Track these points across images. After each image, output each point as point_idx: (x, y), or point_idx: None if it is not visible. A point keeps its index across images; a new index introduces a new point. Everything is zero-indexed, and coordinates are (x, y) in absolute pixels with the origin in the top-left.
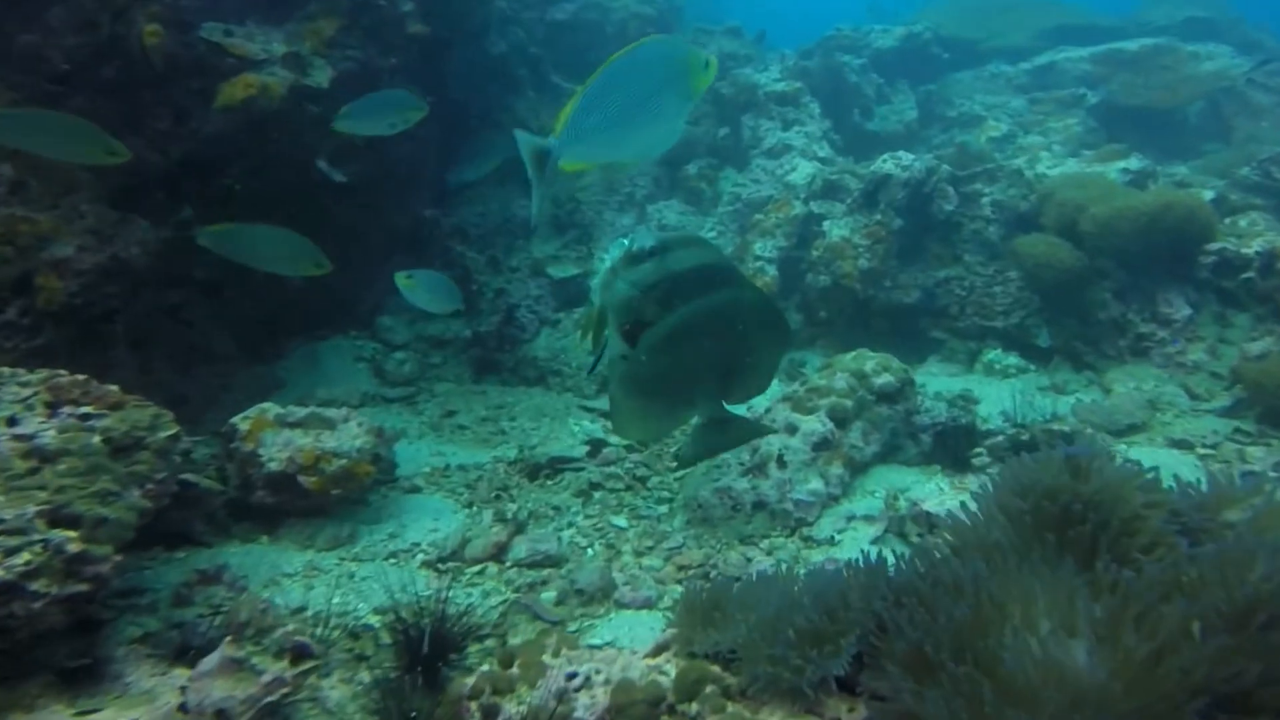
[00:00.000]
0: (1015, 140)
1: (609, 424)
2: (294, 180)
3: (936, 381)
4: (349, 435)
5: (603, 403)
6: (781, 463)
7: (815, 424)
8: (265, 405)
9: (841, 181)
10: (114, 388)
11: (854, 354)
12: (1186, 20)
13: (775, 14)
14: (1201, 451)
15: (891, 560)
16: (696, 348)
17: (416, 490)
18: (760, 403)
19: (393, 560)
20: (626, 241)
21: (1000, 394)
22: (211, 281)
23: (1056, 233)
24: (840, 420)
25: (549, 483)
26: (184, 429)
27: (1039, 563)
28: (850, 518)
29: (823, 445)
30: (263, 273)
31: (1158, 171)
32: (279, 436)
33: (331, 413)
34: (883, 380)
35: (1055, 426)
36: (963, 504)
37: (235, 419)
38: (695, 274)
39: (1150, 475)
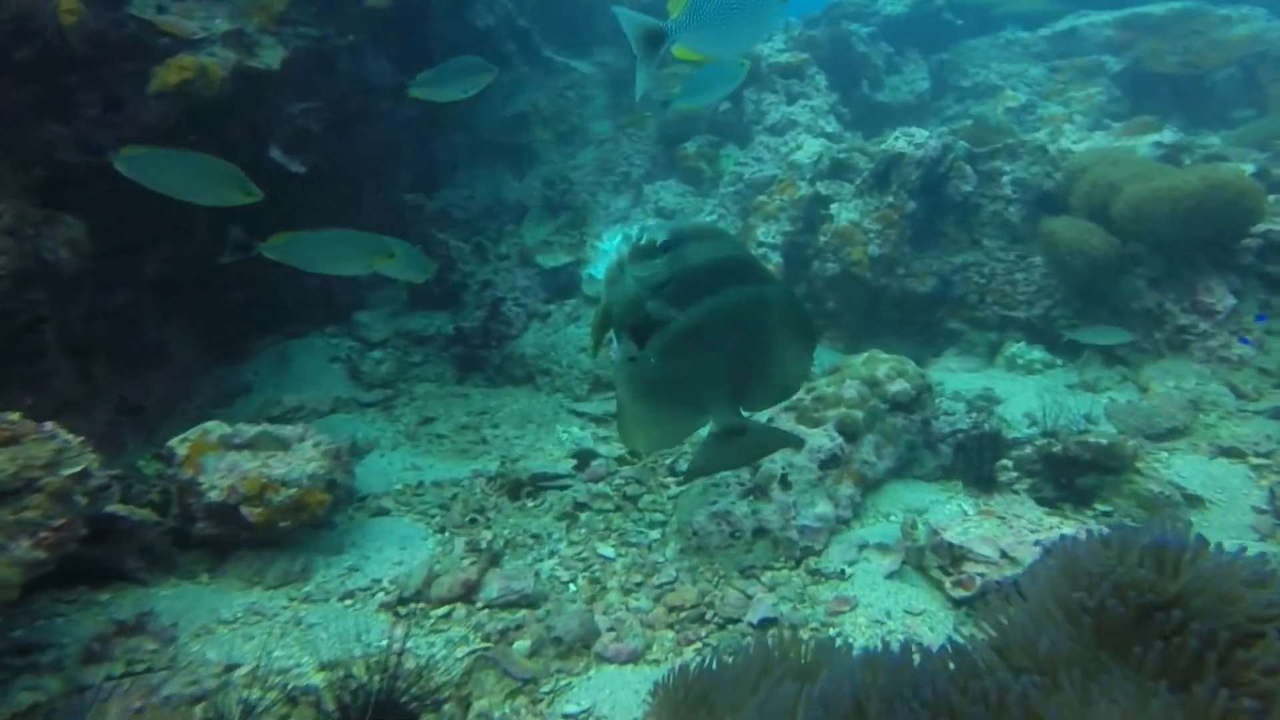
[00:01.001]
0: (1035, 111)
1: (612, 431)
2: (250, 171)
3: (955, 379)
4: (302, 458)
5: (594, 406)
6: (785, 483)
7: (823, 439)
8: (208, 425)
9: (850, 160)
10: (12, 417)
11: (865, 356)
12: None
13: None
14: (1255, 461)
15: (918, 654)
16: (712, 350)
17: (384, 513)
18: (760, 412)
19: (348, 601)
20: (634, 232)
21: (1025, 392)
22: (165, 279)
23: (1086, 215)
24: (850, 434)
25: (530, 504)
26: (139, 442)
27: (1114, 681)
28: (862, 546)
29: (831, 463)
30: (228, 265)
31: (1193, 144)
32: (222, 461)
33: (286, 431)
34: (897, 387)
35: (1092, 440)
36: (1006, 592)
37: (173, 441)
38: (711, 269)
39: (1261, 565)
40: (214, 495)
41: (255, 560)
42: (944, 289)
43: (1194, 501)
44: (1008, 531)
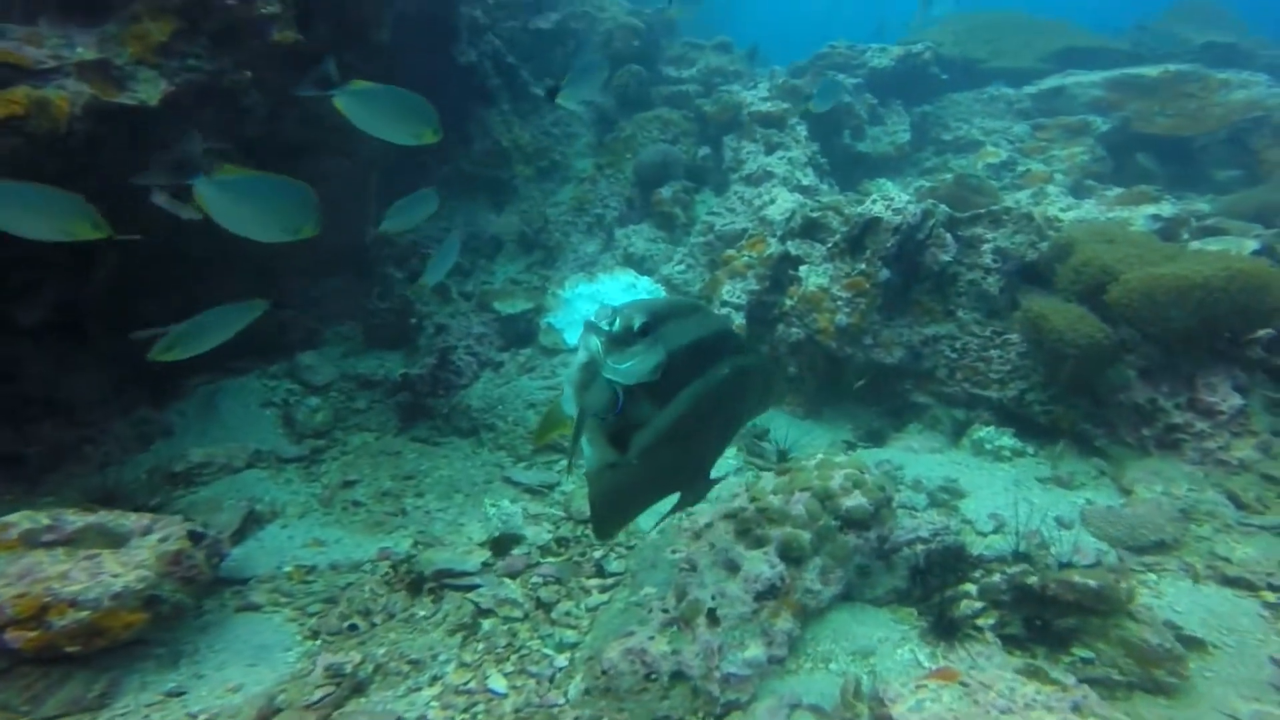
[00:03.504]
0: (1015, 167)
1: (546, 506)
2: (154, 214)
3: (917, 462)
4: (129, 563)
5: (533, 474)
6: (713, 619)
7: (761, 565)
8: (11, 518)
9: (824, 220)
10: None
11: (818, 461)
12: (1205, 45)
13: (774, 28)
14: (1270, 598)
15: None
16: (695, 436)
17: (253, 608)
18: (703, 510)
19: None
20: (603, 321)
21: (992, 485)
22: (58, 323)
23: (1076, 296)
24: (795, 559)
25: (425, 610)
26: (18, 493)
27: None
28: (794, 706)
29: (769, 594)
30: (155, 302)
31: (1191, 219)
32: (14, 564)
33: (128, 522)
34: (853, 502)
35: (1078, 579)
36: None
37: None
38: (693, 350)
39: None
40: None
41: (40, 679)
42: (913, 361)
43: (1194, 645)
44: (973, 710)
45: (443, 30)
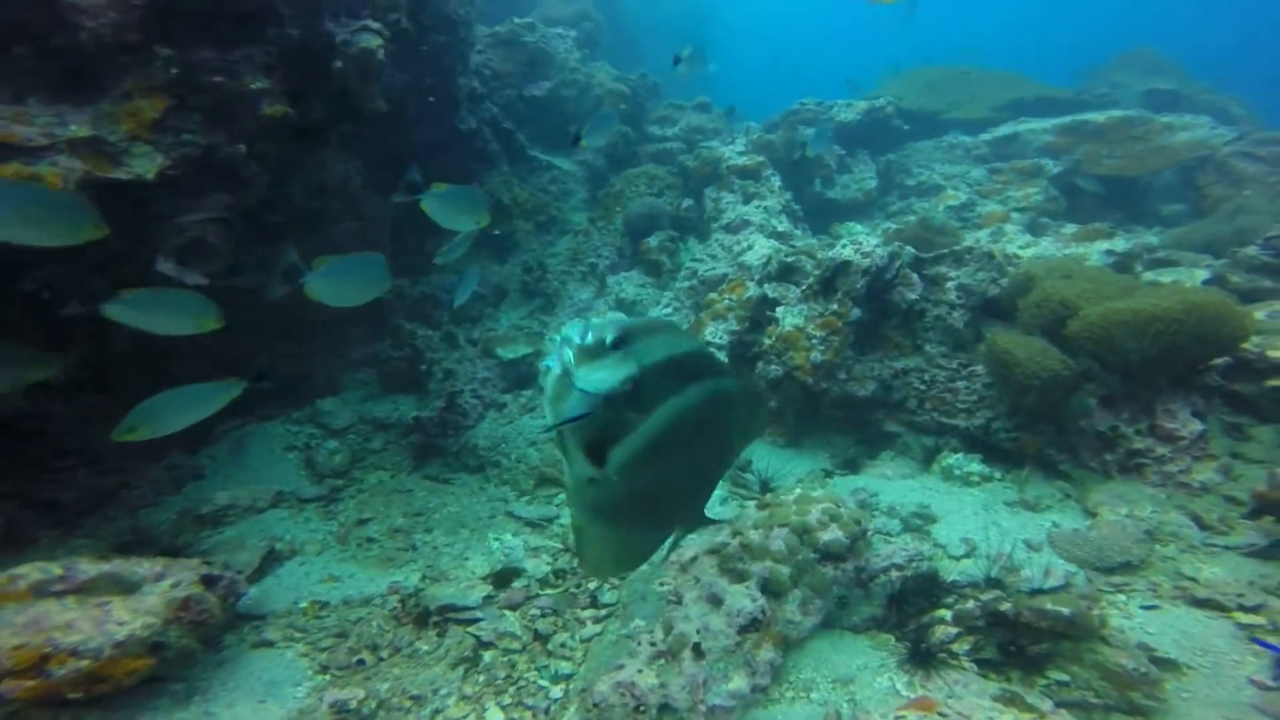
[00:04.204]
0: (974, 208)
1: (546, 539)
2: (164, 281)
3: (890, 489)
4: (137, 611)
5: (534, 509)
6: (699, 652)
7: (744, 600)
8: (22, 570)
9: (798, 264)
10: None
11: (797, 495)
12: (1148, 92)
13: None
14: (1243, 619)
15: None
16: (680, 459)
17: (267, 644)
18: (690, 543)
19: None
20: (576, 335)
21: (963, 510)
22: (85, 381)
23: (1038, 329)
24: (776, 593)
25: (429, 645)
26: (54, 537)
27: None
28: None
29: (751, 627)
30: (182, 362)
31: (1144, 253)
32: (21, 614)
33: (141, 569)
34: (830, 536)
35: (1050, 607)
36: None
37: None
38: (668, 367)
39: None
40: None
41: (60, 715)
42: (884, 393)
43: (1168, 667)
44: None
45: (445, 100)
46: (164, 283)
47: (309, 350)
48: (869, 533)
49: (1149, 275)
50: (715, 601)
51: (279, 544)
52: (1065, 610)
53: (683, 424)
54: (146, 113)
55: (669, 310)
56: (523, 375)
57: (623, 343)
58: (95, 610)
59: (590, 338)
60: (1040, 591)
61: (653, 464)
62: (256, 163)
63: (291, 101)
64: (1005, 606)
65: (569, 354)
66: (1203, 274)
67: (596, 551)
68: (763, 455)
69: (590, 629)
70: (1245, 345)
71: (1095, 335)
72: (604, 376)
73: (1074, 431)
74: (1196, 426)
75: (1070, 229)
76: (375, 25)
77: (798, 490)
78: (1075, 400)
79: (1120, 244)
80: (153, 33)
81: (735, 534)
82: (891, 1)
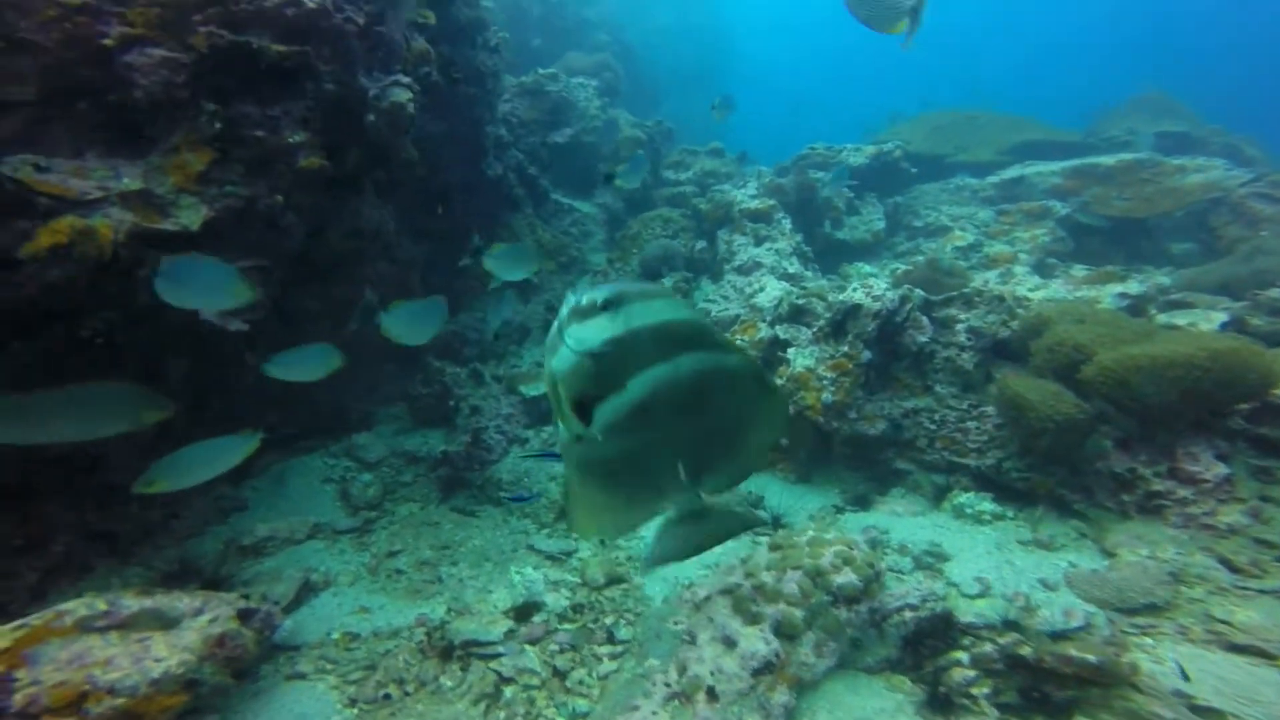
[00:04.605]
0: (981, 248)
1: (566, 573)
2: (188, 328)
3: (901, 525)
4: (176, 647)
5: (553, 543)
6: (712, 695)
7: (758, 643)
8: (69, 605)
9: (809, 306)
10: None
11: (809, 539)
12: (1158, 134)
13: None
14: None
15: None
16: (666, 426)
17: (300, 677)
18: (702, 579)
19: None
20: (574, 296)
21: (975, 548)
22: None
23: (1050, 373)
24: (790, 635)
25: (449, 681)
26: (108, 565)
27: None
28: None
29: (765, 670)
30: (225, 398)
31: (1158, 296)
32: (65, 650)
33: (181, 604)
34: (843, 579)
35: (1075, 654)
36: None
37: (3, 629)
38: (659, 333)
39: None
40: (18, 699)
41: None
42: (894, 432)
43: (1211, 716)
44: None
45: (473, 147)
46: (207, 330)
47: (347, 387)
48: (882, 575)
49: (1163, 318)
50: (729, 643)
51: (314, 575)
52: (1091, 658)
53: (671, 390)
54: (193, 165)
55: None
56: (544, 411)
57: (614, 305)
58: (135, 646)
59: (585, 299)
60: (1062, 635)
61: (639, 427)
62: (294, 213)
63: (327, 153)
64: (1025, 650)
65: (564, 312)
66: (1220, 316)
67: (583, 511)
68: (775, 491)
69: (607, 665)
70: (1275, 390)
71: (1111, 380)
72: (587, 335)
73: (1089, 473)
74: (1221, 469)
75: (1080, 270)
76: (405, 80)
77: (810, 530)
78: (1091, 443)
79: (1134, 287)
80: (199, 88)
81: (748, 575)
82: (901, 31)
